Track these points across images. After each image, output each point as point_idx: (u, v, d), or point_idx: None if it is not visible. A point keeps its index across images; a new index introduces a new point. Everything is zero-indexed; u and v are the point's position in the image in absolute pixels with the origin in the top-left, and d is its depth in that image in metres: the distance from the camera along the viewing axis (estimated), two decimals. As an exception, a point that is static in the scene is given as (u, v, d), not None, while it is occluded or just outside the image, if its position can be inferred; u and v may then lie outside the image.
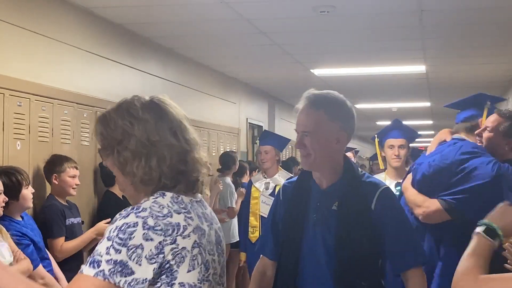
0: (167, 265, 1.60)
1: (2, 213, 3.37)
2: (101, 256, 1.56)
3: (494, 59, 7.86)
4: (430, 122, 16.82)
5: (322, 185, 2.41)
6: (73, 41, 4.96)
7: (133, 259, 1.56)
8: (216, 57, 7.54)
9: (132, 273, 1.56)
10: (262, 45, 6.71)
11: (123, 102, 1.76)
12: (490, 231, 1.70)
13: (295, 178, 2.57)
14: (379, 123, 17.01)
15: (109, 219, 4.01)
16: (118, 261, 1.55)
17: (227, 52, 7.27)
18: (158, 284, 1.60)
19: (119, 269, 1.55)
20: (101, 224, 4.19)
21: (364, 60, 7.75)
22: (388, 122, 17.48)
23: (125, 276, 1.55)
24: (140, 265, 1.56)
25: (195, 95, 7.70)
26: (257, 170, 6.71)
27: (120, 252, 1.56)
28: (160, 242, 1.59)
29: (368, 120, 15.99)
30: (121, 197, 4.79)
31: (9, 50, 4.19)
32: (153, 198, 1.68)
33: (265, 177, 5.69)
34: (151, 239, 1.58)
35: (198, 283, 1.66)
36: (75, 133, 4.81)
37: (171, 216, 1.64)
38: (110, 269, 1.55)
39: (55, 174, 4.17)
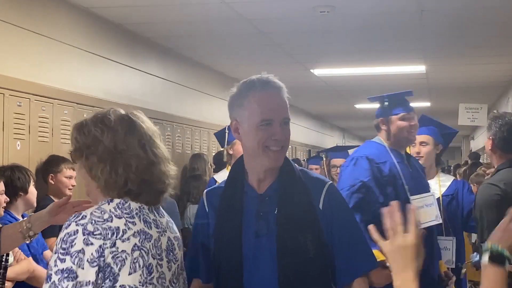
0: (109, 269, 1.69)
1: (2, 213, 3.38)
2: (51, 270, 1.68)
3: (494, 59, 7.85)
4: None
5: (260, 188, 2.11)
6: (73, 41, 4.96)
7: (77, 264, 1.66)
8: (216, 57, 7.54)
9: (77, 276, 1.66)
10: (262, 45, 6.71)
11: (100, 112, 1.88)
12: (497, 257, 1.50)
13: (218, 185, 2.27)
14: (379, 123, 16.97)
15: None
16: (64, 269, 1.66)
17: (227, 52, 7.27)
18: None
19: (66, 275, 1.66)
20: None
21: (364, 60, 7.75)
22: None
23: (72, 280, 1.65)
24: (82, 268, 1.66)
25: (195, 95, 7.70)
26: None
27: (64, 261, 1.67)
28: (100, 246, 1.69)
29: (368, 120, 15.99)
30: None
31: (9, 50, 4.19)
32: (99, 204, 1.79)
33: None
34: (91, 243, 1.68)
35: (140, 285, 1.73)
36: (75, 133, 4.81)
37: (111, 221, 1.73)
38: (58, 278, 1.65)
39: (51, 174, 4.19)
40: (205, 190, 2.25)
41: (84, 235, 1.68)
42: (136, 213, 1.79)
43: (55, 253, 1.69)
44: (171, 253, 1.87)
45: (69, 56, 4.93)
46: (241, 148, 3.96)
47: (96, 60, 5.36)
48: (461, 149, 21.45)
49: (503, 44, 6.85)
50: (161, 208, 1.92)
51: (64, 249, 1.68)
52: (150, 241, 1.79)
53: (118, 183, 1.78)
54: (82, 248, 1.67)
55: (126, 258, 1.71)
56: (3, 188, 3.36)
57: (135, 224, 1.77)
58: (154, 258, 1.79)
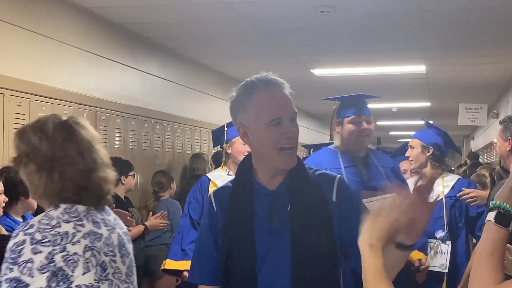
0: (61, 272, 1.76)
1: (1, 213, 3.37)
2: (2, 277, 1.75)
3: (494, 59, 7.85)
4: (430, 122, 16.80)
5: (271, 186, 2.08)
6: (73, 41, 4.96)
7: (25, 273, 1.73)
8: (216, 57, 7.54)
9: (27, 285, 1.73)
10: (262, 45, 6.71)
11: (40, 119, 1.95)
12: (503, 216, 1.46)
13: (225, 184, 2.21)
14: (379, 123, 17.01)
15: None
16: (12, 278, 1.73)
17: (227, 52, 7.27)
18: None
19: (14, 285, 1.73)
20: None
21: (364, 60, 7.75)
22: (388, 122, 17.42)
23: None
24: (32, 276, 1.73)
25: (195, 95, 7.70)
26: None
27: (13, 270, 1.74)
28: (49, 252, 1.75)
29: (368, 120, 15.95)
30: (123, 198, 4.78)
31: (9, 50, 4.19)
32: (47, 211, 1.84)
33: (229, 174, 4.27)
34: (40, 252, 1.75)
35: (95, 282, 1.82)
36: (75, 133, 4.80)
37: (59, 226, 1.80)
38: (7, 286, 1.73)
39: None
40: (212, 191, 2.22)
41: (32, 244, 1.74)
42: (84, 215, 1.85)
43: (5, 262, 1.75)
44: (123, 248, 1.95)
45: (69, 56, 4.93)
46: (240, 147, 3.93)
47: (96, 60, 5.36)
48: (461, 149, 21.45)
49: (503, 44, 6.85)
50: (107, 207, 1.99)
51: (12, 258, 1.74)
52: (100, 240, 1.86)
53: (54, 190, 1.84)
54: (30, 258, 1.73)
55: (79, 260, 1.78)
56: (2, 188, 3.35)
57: (84, 226, 1.84)
58: (106, 256, 1.86)
